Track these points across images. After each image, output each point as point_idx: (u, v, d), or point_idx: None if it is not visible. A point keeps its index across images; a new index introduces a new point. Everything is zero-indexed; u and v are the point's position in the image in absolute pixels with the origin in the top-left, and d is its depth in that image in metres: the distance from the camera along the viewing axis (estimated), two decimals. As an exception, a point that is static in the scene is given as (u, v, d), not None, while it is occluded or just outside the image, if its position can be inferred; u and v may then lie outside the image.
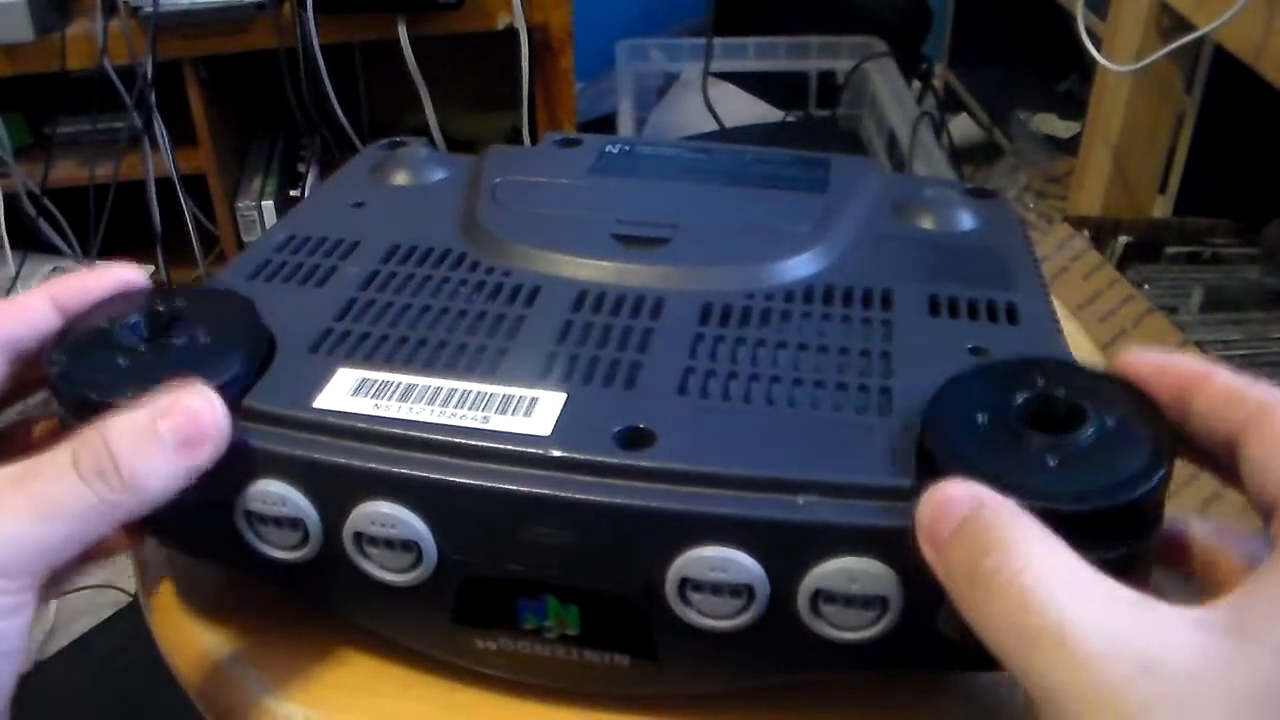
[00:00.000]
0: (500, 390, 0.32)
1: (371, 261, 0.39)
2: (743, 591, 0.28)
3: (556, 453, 0.30)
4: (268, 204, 1.44)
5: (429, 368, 0.33)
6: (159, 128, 1.32)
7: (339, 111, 1.34)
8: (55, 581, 0.29)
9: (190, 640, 0.35)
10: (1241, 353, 0.99)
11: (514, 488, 0.29)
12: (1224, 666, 0.21)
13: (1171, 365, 0.28)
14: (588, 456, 0.29)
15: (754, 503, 0.28)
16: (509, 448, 0.30)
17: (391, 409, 0.31)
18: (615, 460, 0.29)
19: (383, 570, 0.31)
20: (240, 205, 1.45)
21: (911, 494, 0.27)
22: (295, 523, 0.31)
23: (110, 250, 1.34)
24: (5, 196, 1.31)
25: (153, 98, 1.29)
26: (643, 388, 0.32)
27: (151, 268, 1.42)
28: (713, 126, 1.63)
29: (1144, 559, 0.27)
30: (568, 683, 0.33)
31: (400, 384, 0.32)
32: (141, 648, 0.40)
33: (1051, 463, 0.27)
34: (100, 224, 1.33)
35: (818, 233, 0.40)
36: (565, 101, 1.43)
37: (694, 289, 0.37)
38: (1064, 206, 1.47)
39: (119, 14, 1.24)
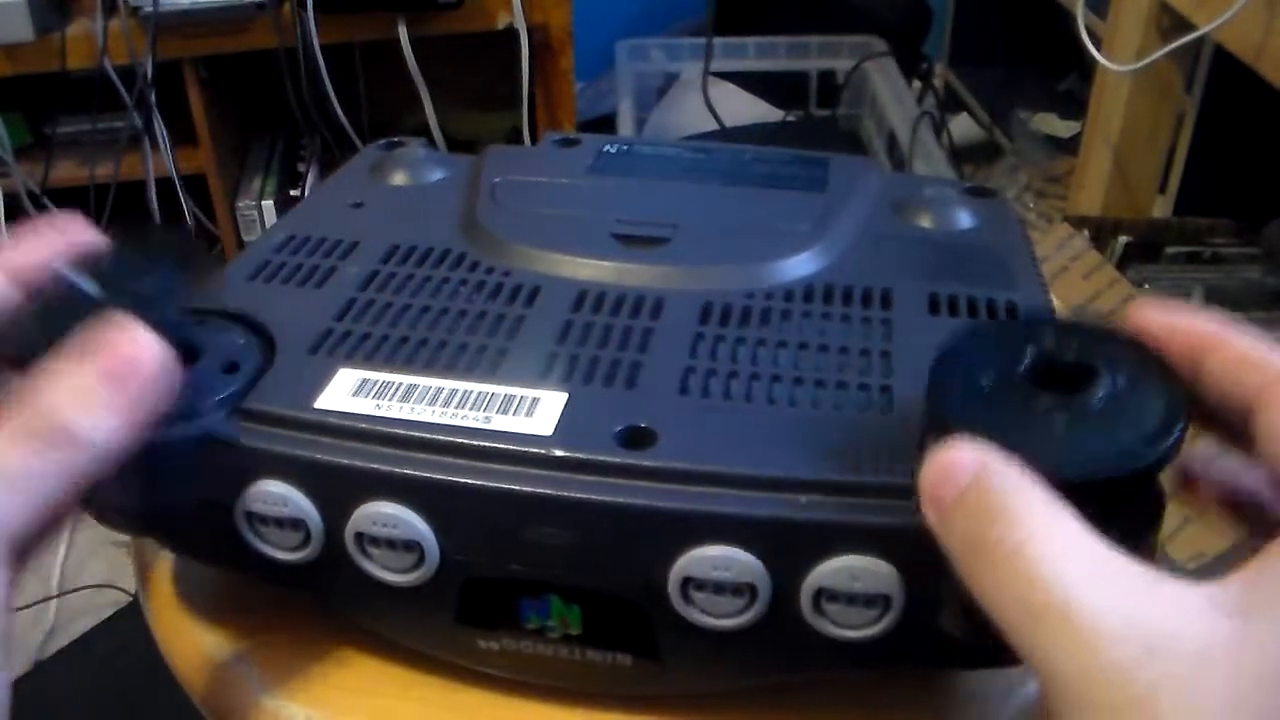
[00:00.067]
0: (502, 390, 0.32)
1: (371, 262, 0.39)
2: (745, 590, 0.28)
3: (558, 452, 0.30)
4: (268, 204, 1.44)
5: (430, 368, 0.33)
6: (159, 128, 1.32)
7: (339, 111, 1.34)
8: (28, 550, 0.27)
9: (190, 640, 0.35)
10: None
11: (516, 488, 0.29)
12: (1233, 648, 0.20)
13: (1185, 324, 0.27)
14: (589, 456, 0.29)
15: (756, 501, 0.28)
16: (511, 448, 0.30)
17: (393, 409, 0.31)
18: (617, 460, 0.29)
19: (385, 571, 0.31)
20: (240, 205, 1.45)
21: (913, 493, 0.27)
22: (297, 523, 0.31)
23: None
24: (5, 196, 1.31)
25: (153, 98, 1.29)
26: (644, 387, 0.32)
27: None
28: (713, 126, 1.63)
29: (1153, 525, 0.27)
30: (570, 683, 0.33)
31: (401, 384, 0.32)
32: (141, 648, 0.40)
33: (1060, 425, 0.26)
34: (100, 224, 1.33)
35: (817, 232, 0.40)
36: (565, 101, 1.43)
37: (694, 288, 0.37)
38: (1064, 206, 1.48)
39: (119, 14, 1.24)
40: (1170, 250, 1.15)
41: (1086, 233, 1.13)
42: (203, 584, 0.37)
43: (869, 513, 0.28)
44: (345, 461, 0.30)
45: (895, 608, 0.28)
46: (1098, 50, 1.16)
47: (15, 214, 1.33)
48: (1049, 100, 1.86)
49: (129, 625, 1.11)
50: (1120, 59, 1.18)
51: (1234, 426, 0.26)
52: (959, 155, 1.69)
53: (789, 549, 0.28)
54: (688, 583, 0.29)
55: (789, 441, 0.30)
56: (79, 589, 1.17)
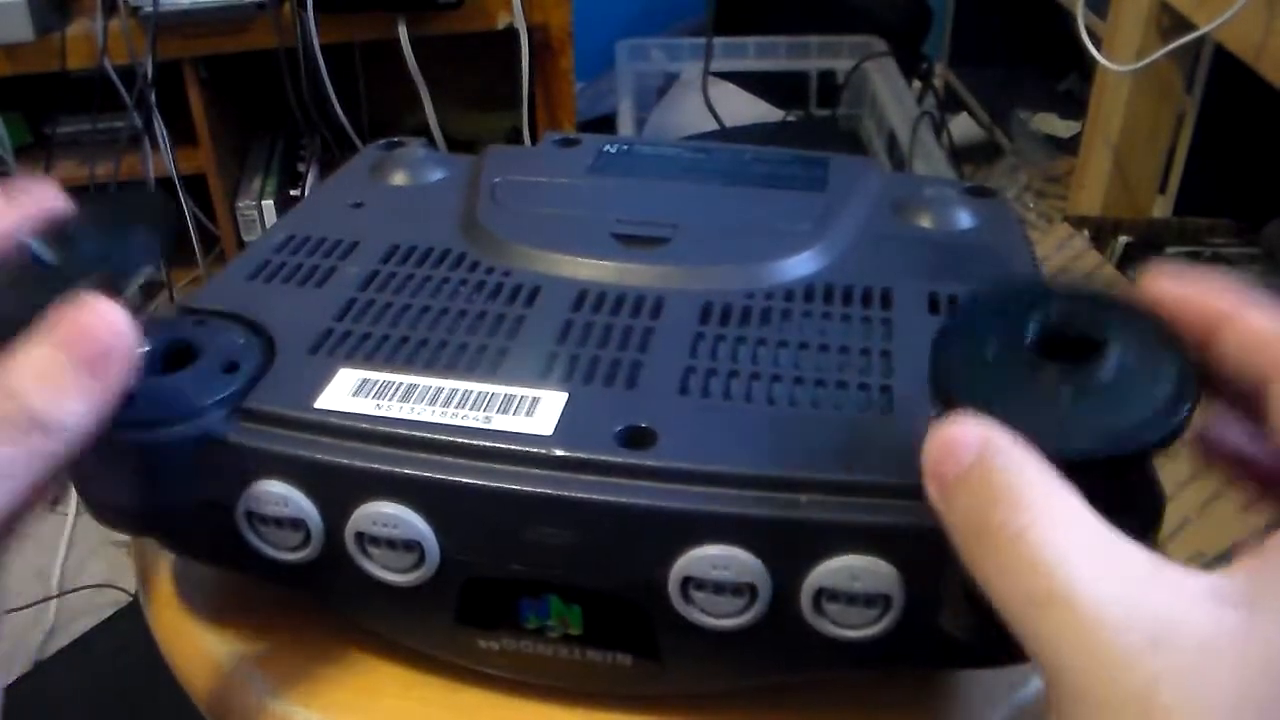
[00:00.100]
0: (502, 390, 0.32)
1: (371, 261, 0.39)
2: (745, 590, 0.28)
3: (559, 452, 0.30)
4: (268, 204, 1.44)
5: (430, 368, 0.33)
6: (159, 127, 1.32)
7: (339, 111, 1.34)
8: (3, 536, 0.26)
9: (190, 640, 0.35)
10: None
11: (516, 487, 0.29)
12: (1238, 640, 0.20)
13: (1199, 295, 0.26)
14: (590, 456, 0.29)
15: (756, 501, 0.28)
16: (511, 447, 0.30)
17: (393, 409, 0.31)
18: (617, 459, 0.29)
19: (385, 571, 0.31)
20: (240, 205, 1.45)
21: (914, 492, 0.27)
22: (297, 523, 0.31)
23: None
24: (5, 197, 1.31)
25: (153, 97, 1.29)
26: (644, 387, 0.32)
27: (151, 267, 1.42)
28: (713, 126, 1.63)
29: (1158, 504, 0.26)
30: (570, 683, 0.33)
31: (402, 384, 0.32)
32: (141, 648, 0.40)
33: (1065, 398, 0.25)
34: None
35: (817, 232, 0.40)
36: (565, 101, 1.43)
37: (694, 288, 0.37)
38: (1064, 206, 1.48)
39: (119, 14, 1.24)
40: (1170, 250, 1.15)
41: (1086, 233, 1.13)
42: (203, 584, 0.37)
43: (869, 513, 0.28)
44: (345, 461, 0.30)
45: (895, 608, 0.28)
46: (1098, 50, 1.16)
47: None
48: (1049, 100, 1.86)
49: (129, 625, 1.11)
50: (1120, 59, 1.18)
51: (1248, 401, 0.25)
52: (959, 155, 1.69)
53: (789, 549, 0.28)
54: (688, 582, 0.29)
55: (789, 441, 0.30)
56: (79, 589, 1.17)
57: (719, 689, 0.32)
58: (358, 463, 0.30)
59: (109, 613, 1.14)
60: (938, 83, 1.99)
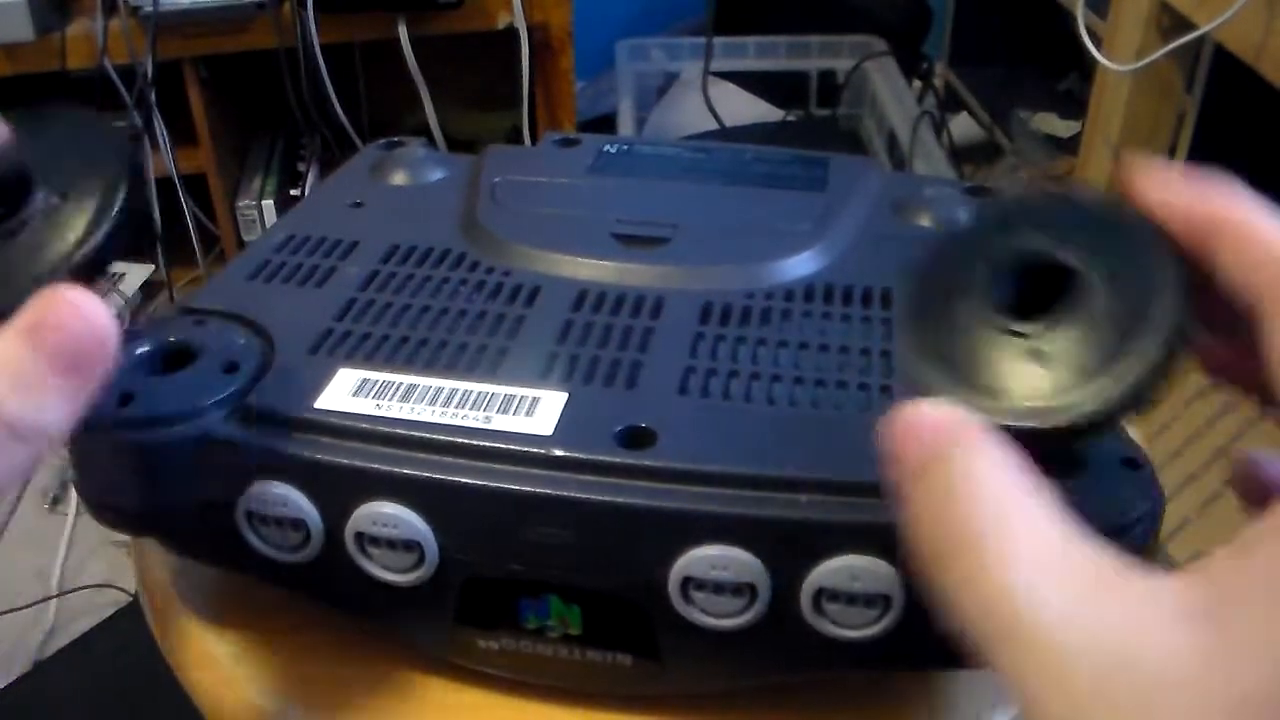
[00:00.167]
0: (502, 390, 0.32)
1: (371, 261, 0.39)
2: (745, 590, 0.28)
3: (559, 452, 0.30)
4: (268, 203, 1.44)
5: (430, 368, 0.33)
6: (159, 127, 1.32)
7: (339, 111, 1.34)
8: None
9: (190, 640, 0.35)
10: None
11: (516, 487, 0.29)
12: (1197, 668, 0.18)
13: (1194, 198, 0.23)
14: (590, 456, 0.29)
15: (756, 501, 0.28)
16: (511, 447, 0.30)
17: (393, 409, 0.31)
18: (617, 459, 0.29)
19: (385, 571, 0.31)
20: (240, 205, 1.45)
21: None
22: (297, 523, 0.31)
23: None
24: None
25: (153, 97, 1.29)
26: (644, 387, 0.32)
27: (152, 267, 1.42)
28: (713, 126, 1.63)
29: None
30: (570, 683, 0.33)
31: (402, 384, 0.32)
32: (141, 648, 0.40)
33: (1034, 363, 0.23)
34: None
35: (817, 232, 0.40)
36: (565, 101, 1.43)
37: (694, 288, 0.37)
38: (1064, 206, 1.47)
39: (119, 14, 1.24)
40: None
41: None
42: (203, 584, 0.37)
43: (869, 513, 0.28)
44: (345, 461, 0.30)
45: (895, 608, 0.28)
46: (1098, 50, 1.16)
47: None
48: (1049, 100, 1.86)
49: (129, 625, 1.11)
50: (1120, 59, 1.18)
51: (1244, 326, 0.22)
52: (959, 155, 1.69)
53: (789, 549, 0.28)
54: (688, 582, 0.29)
55: (789, 441, 0.30)
56: (79, 589, 1.17)
57: (719, 689, 0.32)
58: (358, 463, 0.30)
59: (109, 613, 1.14)
60: (938, 83, 1.98)
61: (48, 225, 0.26)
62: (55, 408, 0.23)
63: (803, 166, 0.47)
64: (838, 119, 1.75)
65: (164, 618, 0.37)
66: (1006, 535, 0.20)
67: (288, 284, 0.38)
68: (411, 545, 0.30)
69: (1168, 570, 0.19)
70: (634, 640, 0.31)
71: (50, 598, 1.16)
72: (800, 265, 0.38)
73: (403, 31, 1.31)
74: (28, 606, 1.14)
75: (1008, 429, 0.22)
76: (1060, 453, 0.22)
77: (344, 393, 0.32)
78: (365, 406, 0.31)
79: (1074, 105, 1.76)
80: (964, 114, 1.92)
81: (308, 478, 0.30)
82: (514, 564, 0.30)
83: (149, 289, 1.46)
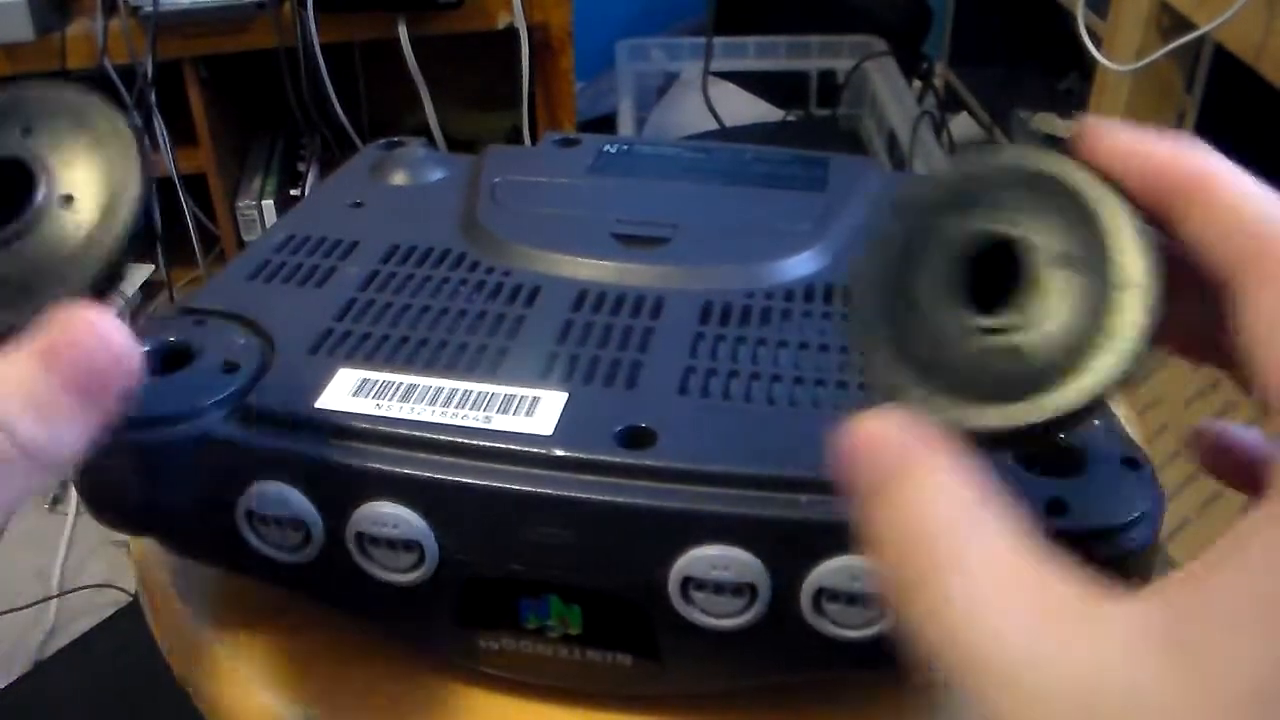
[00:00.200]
0: (502, 390, 0.32)
1: (371, 261, 0.39)
2: (745, 590, 0.28)
3: (559, 452, 0.30)
4: (268, 203, 1.44)
5: (430, 368, 0.33)
6: (159, 127, 1.32)
7: (339, 111, 1.34)
8: None
9: (190, 640, 0.35)
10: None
11: (516, 487, 0.29)
12: (1166, 699, 0.17)
13: (1157, 159, 0.21)
14: (590, 456, 0.29)
15: (756, 501, 0.28)
16: (511, 447, 0.30)
17: (393, 409, 0.31)
18: (617, 459, 0.29)
19: (385, 571, 0.31)
20: (240, 205, 1.45)
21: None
22: (297, 523, 0.31)
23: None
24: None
25: (153, 97, 1.29)
26: (644, 387, 0.32)
27: (152, 267, 1.42)
28: (713, 126, 1.63)
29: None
30: (570, 682, 0.33)
31: (402, 384, 0.32)
32: (141, 648, 0.40)
33: (1006, 357, 0.21)
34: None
35: (817, 232, 0.40)
36: (565, 101, 1.43)
37: (694, 288, 0.37)
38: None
39: (119, 14, 1.24)
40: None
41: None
42: (203, 584, 0.37)
43: (869, 513, 0.28)
44: (345, 461, 0.30)
45: (895, 608, 0.28)
46: (1098, 50, 1.16)
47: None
48: (1049, 100, 1.85)
49: (129, 625, 1.11)
50: (1120, 58, 1.18)
51: (1213, 297, 0.20)
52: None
53: (789, 549, 0.28)
54: (688, 582, 0.29)
55: (789, 441, 0.30)
56: (79, 589, 1.17)
57: (719, 689, 0.32)
58: (358, 463, 0.30)
59: (109, 613, 1.14)
60: (938, 82, 1.98)
61: (57, 234, 0.25)
62: (69, 429, 0.23)
63: (803, 166, 0.47)
64: (838, 119, 1.75)
65: (164, 618, 0.37)
66: (965, 567, 0.19)
67: (288, 284, 0.38)
68: (411, 545, 0.30)
69: (1133, 591, 0.18)
70: (634, 640, 0.31)
71: (50, 598, 1.16)
72: (800, 265, 0.38)
73: (403, 31, 1.31)
74: (28, 606, 1.14)
75: (984, 431, 0.21)
76: (1049, 445, 0.21)
77: (344, 393, 0.32)
78: (365, 406, 0.31)
79: (1074, 105, 1.76)
80: (964, 114, 1.92)
81: (308, 478, 0.30)
82: (514, 564, 0.30)
83: (149, 289, 1.46)
